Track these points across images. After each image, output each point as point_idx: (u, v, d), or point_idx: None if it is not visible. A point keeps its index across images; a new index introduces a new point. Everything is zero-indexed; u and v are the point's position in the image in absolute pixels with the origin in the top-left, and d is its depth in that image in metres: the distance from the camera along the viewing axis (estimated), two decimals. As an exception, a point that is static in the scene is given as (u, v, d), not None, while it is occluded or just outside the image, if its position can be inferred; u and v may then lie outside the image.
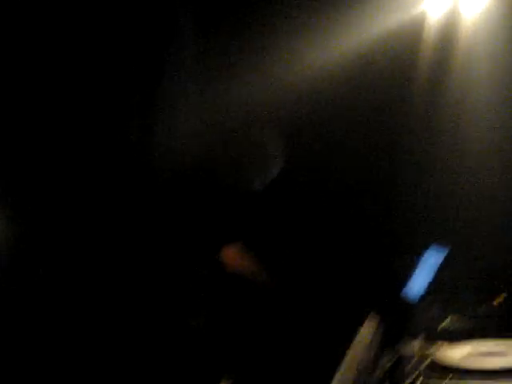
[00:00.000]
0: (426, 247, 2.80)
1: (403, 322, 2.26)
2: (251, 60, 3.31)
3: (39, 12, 3.11)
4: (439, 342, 1.99)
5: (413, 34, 3.35)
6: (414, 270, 2.83)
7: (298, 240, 3.08)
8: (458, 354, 1.89)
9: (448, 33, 3.33)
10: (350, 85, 3.34)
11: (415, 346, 1.97)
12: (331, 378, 1.49)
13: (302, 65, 3.34)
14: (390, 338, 1.96)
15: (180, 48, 3.46)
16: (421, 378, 1.60)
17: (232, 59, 3.39)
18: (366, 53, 3.33)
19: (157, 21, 3.42)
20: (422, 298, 2.56)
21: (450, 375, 1.65)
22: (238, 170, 2.74)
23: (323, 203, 3.36)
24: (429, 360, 1.77)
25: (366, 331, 1.95)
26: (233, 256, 2.60)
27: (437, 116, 3.45)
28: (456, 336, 2.07)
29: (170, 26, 3.45)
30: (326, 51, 3.33)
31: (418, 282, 2.74)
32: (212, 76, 3.39)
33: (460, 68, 3.36)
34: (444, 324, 2.25)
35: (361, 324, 2.00)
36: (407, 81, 3.44)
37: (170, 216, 2.77)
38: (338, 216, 3.47)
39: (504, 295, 2.46)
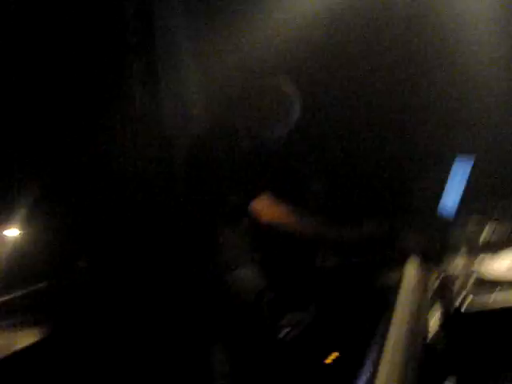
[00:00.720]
0: (452, 161, 2.79)
1: (443, 240, 2.28)
2: (246, 11, 3.25)
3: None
4: (481, 255, 2.01)
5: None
6: (445, 186, 2.83)
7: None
8: (502, 264, 1.90)
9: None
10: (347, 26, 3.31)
11: (458, 263, 2.00)
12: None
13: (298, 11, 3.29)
14: (432, 264, 1.99)
15: (171, 10, 3.41)
16: (469, 296, 1.61)
17: (225, 13, 3.33)
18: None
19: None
20: (458, 212, 2.57)
21: (498, 288, 1.66)
22: (259, 118, 2.69)
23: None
24: (474, 276, 1.78)
25: (412, 265, 1.97)
26: (264, 207, 2.54)
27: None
28: (497, 246, 2.08)
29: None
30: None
31: (451, 196, 2.74)
32: (211, 33, 3.34)
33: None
34: (483, 235, 2.25)
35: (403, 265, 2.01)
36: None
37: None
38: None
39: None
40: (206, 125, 3.01)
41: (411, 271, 1.92)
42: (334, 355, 2.59)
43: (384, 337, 1.36)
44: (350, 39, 3.39)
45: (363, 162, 3.50)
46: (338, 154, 3.51)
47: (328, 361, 2.53)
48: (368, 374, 1.26)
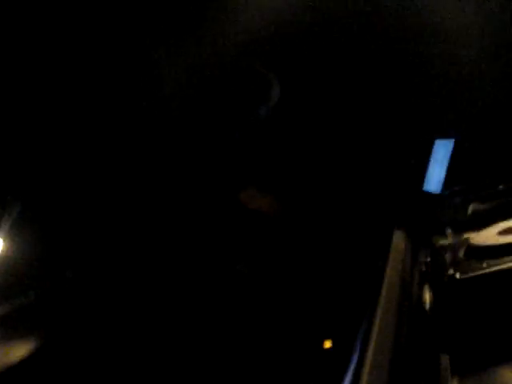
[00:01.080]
0: (433, 142, 2.83)
1: (430, 218, 2.31)
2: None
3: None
4: (468, 230, 2.04)
5: None
6: (428, 166, 2.87)
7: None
8: (490, 235, 1.93)
9: None
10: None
11: (447, 238, 2.02)
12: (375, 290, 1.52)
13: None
14: (421, 239, 2.01)
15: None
16: (460, 268, 1.63)
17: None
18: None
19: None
20: (442, 190, 2.60)
21: (487, 258, 1.68)
22: (244, 104, 2.76)
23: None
24: (463, 249, 1.80)
25: (398, 240, 1.99)
26: (250, 196, 2.71)
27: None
28: (483, 220, 2.11)
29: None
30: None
31: (434, 176, 2.78)
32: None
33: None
34: (469, 211, 2.28)
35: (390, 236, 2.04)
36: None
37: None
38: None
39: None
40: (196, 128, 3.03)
41: (399, 244, 1.94)
42: (329, 342, 2.62)
43: (375, 310, 1.36)
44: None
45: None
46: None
47: (326, 346, 2.56)
48: (359, 351, 1.25)
